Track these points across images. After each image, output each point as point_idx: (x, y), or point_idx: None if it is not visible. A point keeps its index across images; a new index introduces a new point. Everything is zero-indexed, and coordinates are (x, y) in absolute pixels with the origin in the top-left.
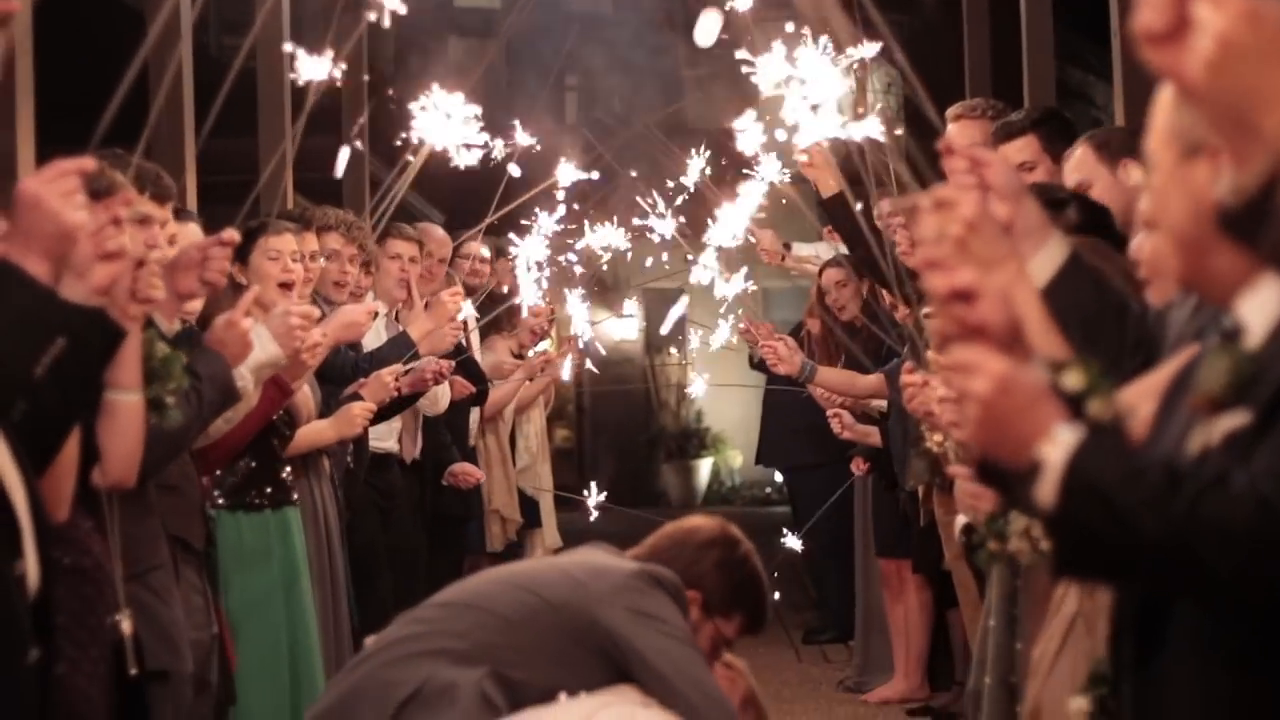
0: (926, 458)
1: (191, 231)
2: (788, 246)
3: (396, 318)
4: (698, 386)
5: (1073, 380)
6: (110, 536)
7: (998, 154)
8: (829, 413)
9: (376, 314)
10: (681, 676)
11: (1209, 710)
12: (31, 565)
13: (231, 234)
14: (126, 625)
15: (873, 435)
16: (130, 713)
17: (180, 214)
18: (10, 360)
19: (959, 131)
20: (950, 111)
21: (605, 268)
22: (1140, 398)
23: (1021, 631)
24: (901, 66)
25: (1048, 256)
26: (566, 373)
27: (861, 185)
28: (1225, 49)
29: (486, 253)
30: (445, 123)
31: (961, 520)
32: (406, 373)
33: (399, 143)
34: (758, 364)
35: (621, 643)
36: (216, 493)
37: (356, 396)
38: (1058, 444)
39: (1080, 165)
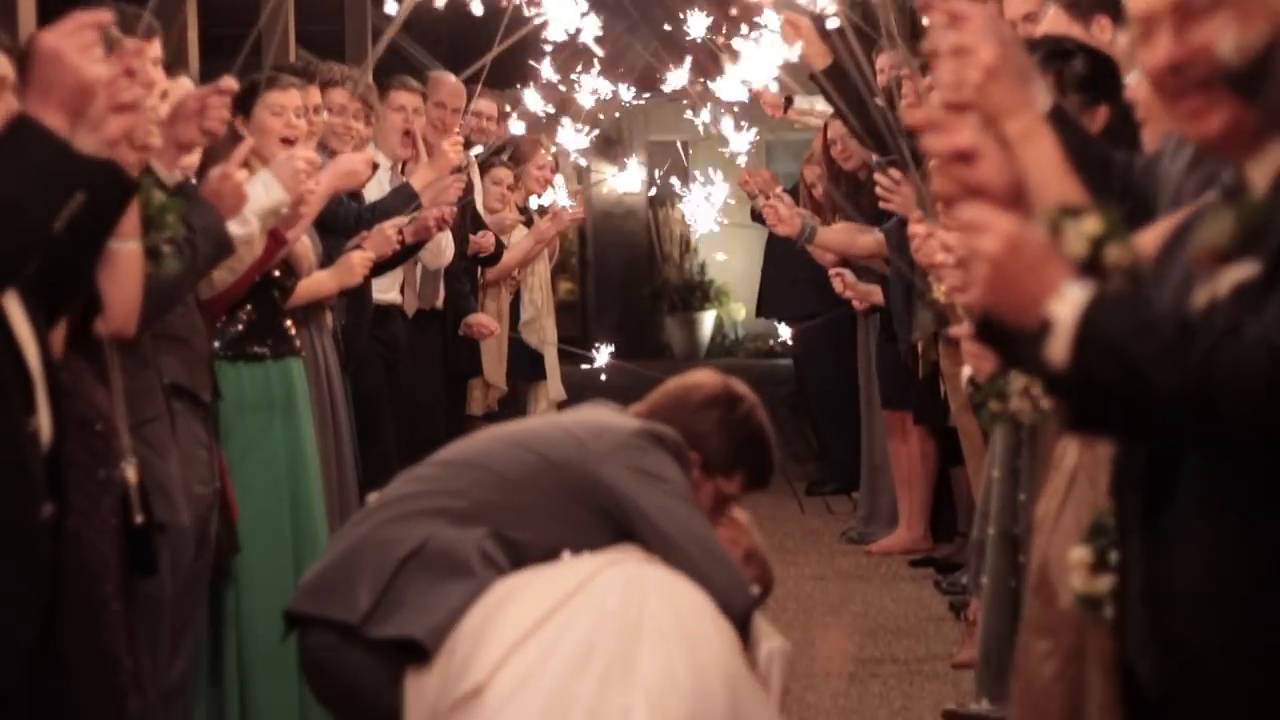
0: (931, 310)
1: (184, 86)
2: (789, 100)
3: (402, 171)
4: (703, 225)
5: (1091, 226)
6: (113, 386)
7: (982, 7)
8: (831, 272)
9: (376, 164)
10: (684, 534)
11: (1221, 560)
12: (45, 420)
13: (229, 82)
14: (132, 474)
15: (875, 294)
16: (136, 562)
17: (171, 70)
18: (30, 214)
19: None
20: None
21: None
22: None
23: (1024, 483)
24: None
25: None
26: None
27: (864, 39)
28: None
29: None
30: None
31: (967, 372)
32: (410, 223)
33: None
34: (758, 216)
35: (623, 501)
36: (217, 344)
37: (359, 248)
38: (1068, 301)
39: (1053, 24)
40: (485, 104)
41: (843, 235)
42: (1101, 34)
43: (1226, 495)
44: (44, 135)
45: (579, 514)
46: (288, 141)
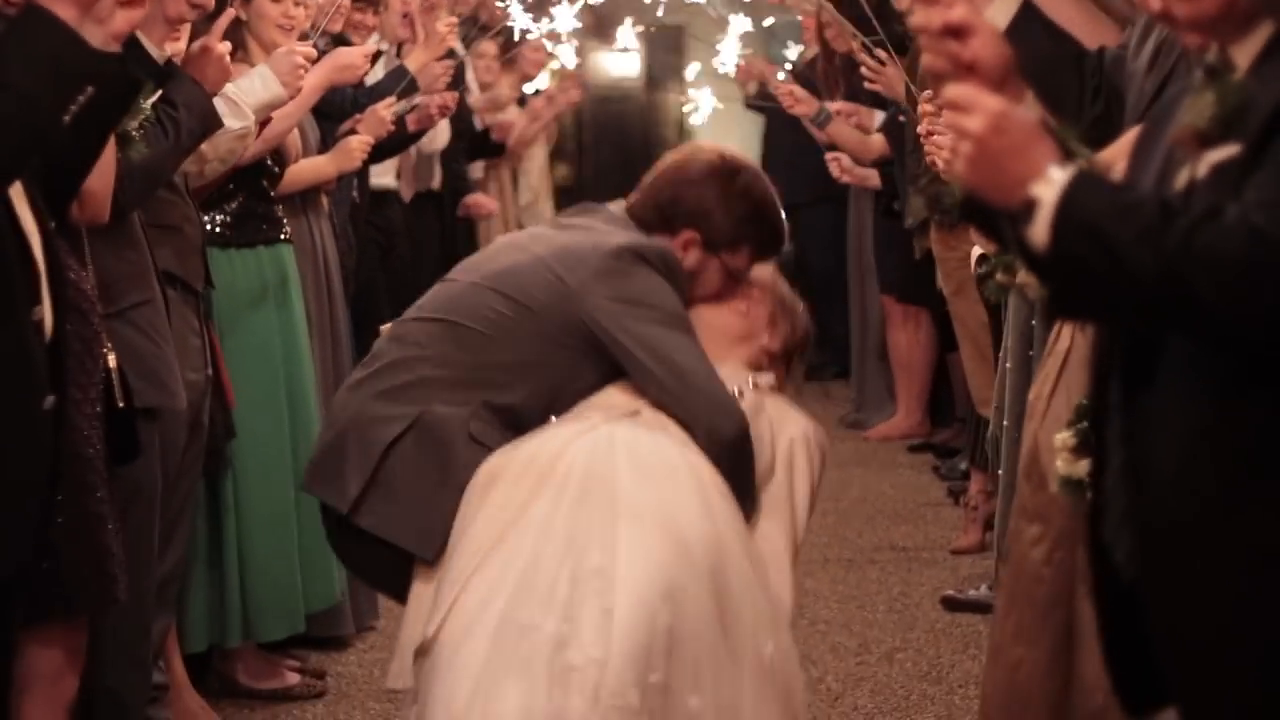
0: (925, 194)
1: None
2: None
3: (398, 54)
4: (704, 102)
5: None
6: (89, 271)
7: None
8: (828, 156)
9: (378, 54)
10: (663, 366)
11: (1199, 440)
12: (48, 311)
13: None
14: (112, 360)
15: (872, 178)
16: (120, 447)
17: None
18: (41, 104)
19: None
20: None
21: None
22: (1112, 156)
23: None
24: None
25: (1003, 5)
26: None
27: None
28: None
29: None
30: None
31: (977, 251)
32: (411, 109)
33: None
34: (753, 105)
35: (606, 338)
36: (209, 228)
37: (354, 132)
38: (1051, 183)
39: None
40: None
41: (857, 135)
42: None
43: (1205, 377)
44: (56, 25)
45: (566, 357)
46: (284, 30)
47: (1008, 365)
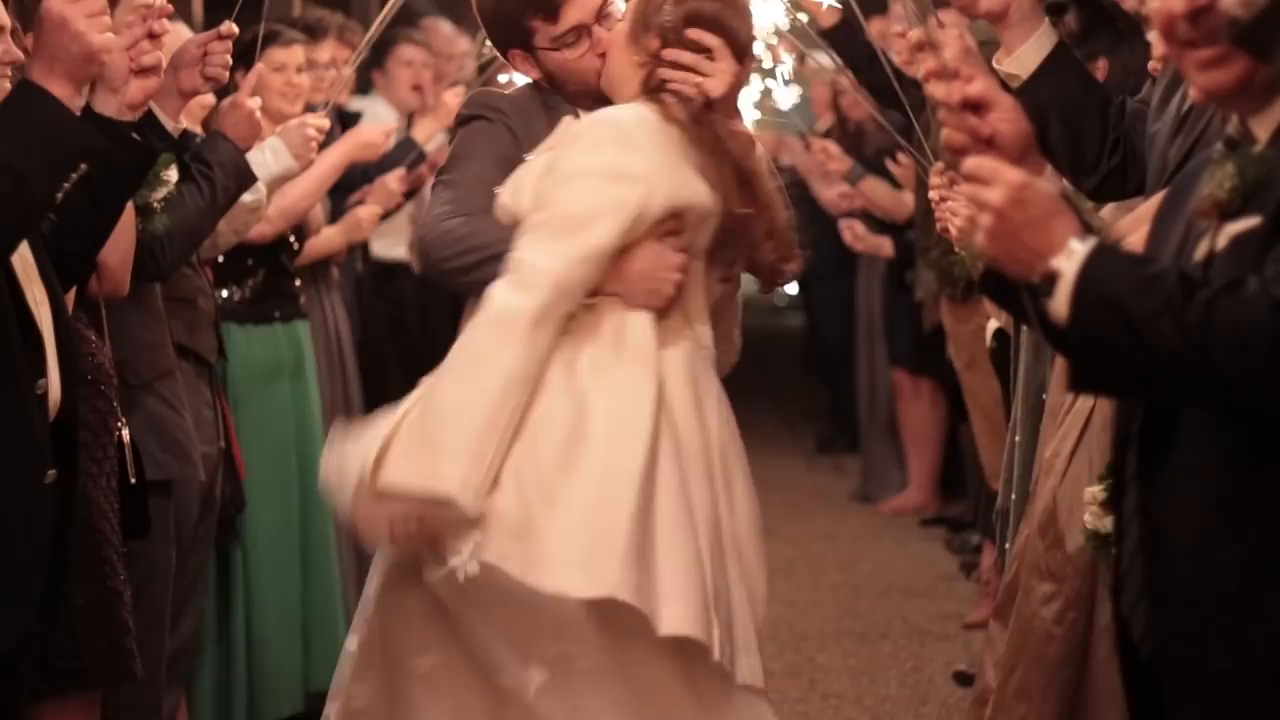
0: (936, 268)
1: (179, 33)
2: (802, 58)
3: (409, 125)
4: None
5: None
6: (107, 345)
7: None
8: (842, 223)
9: (393, 133)
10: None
11: (1216, 513)
12: (54, 382)
13: (230, 27)
14: (125, 434)
15: (885, 246)
16: (132, 523)
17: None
18: (31, 184)
19: None
20: None
21: None
22: (1141, 222)
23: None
24: None
25: (1036, 45)
26: None
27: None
28: None
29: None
30: None
31: (992, 324)
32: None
33: None
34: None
35: None
36: (225, 304)
37: (363, 203)
38: (1072, 256)
39: None
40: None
41: (890, 192)
42: None
43: (1223, 448)
44: (49, 103)
45: None
46: (287, 98)
47: (1016, 439)
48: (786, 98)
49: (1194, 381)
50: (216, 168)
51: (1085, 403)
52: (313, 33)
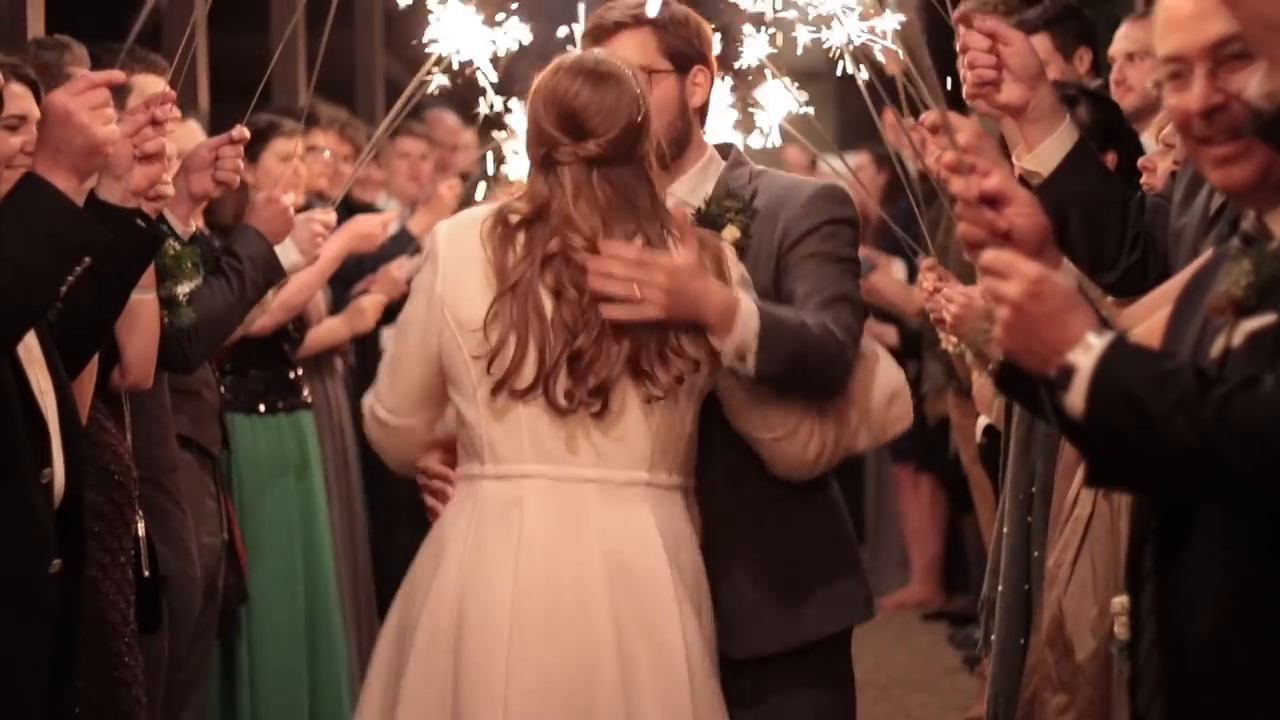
0: (942, 360)
1: (191, 130)
2: (814, 162)
3: (411, 213)
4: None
5: None
6: (128, 438)
7: (1019, 33)
8: None
9: (390, 223)
10: None
11: (1233, 610)
12: (59, 472)
13: (242, 132)
14: (141, 527)
15: (889, 335)
16: (144, 615)
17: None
18: (35, 278)
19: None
20: (962, 7)
21: None
22: (1149, 310)
23: (1036, 539)
24: None
25: (1058, 141)
26: None
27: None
28: None
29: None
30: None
31: (983, 421)
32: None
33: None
34: None
35: None
36: (228, 395)
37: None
38: (1089, 350)
39: (1036, 49)
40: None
41: (900, 288)
42: (1081, 66)
43: (1240, 544)
44: (52, 196)
45: None
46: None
47: (1004, 530)
48: None
49: (1210, 477)
50: (247, 262)
51: (1084, 509)
52: (310, 120)
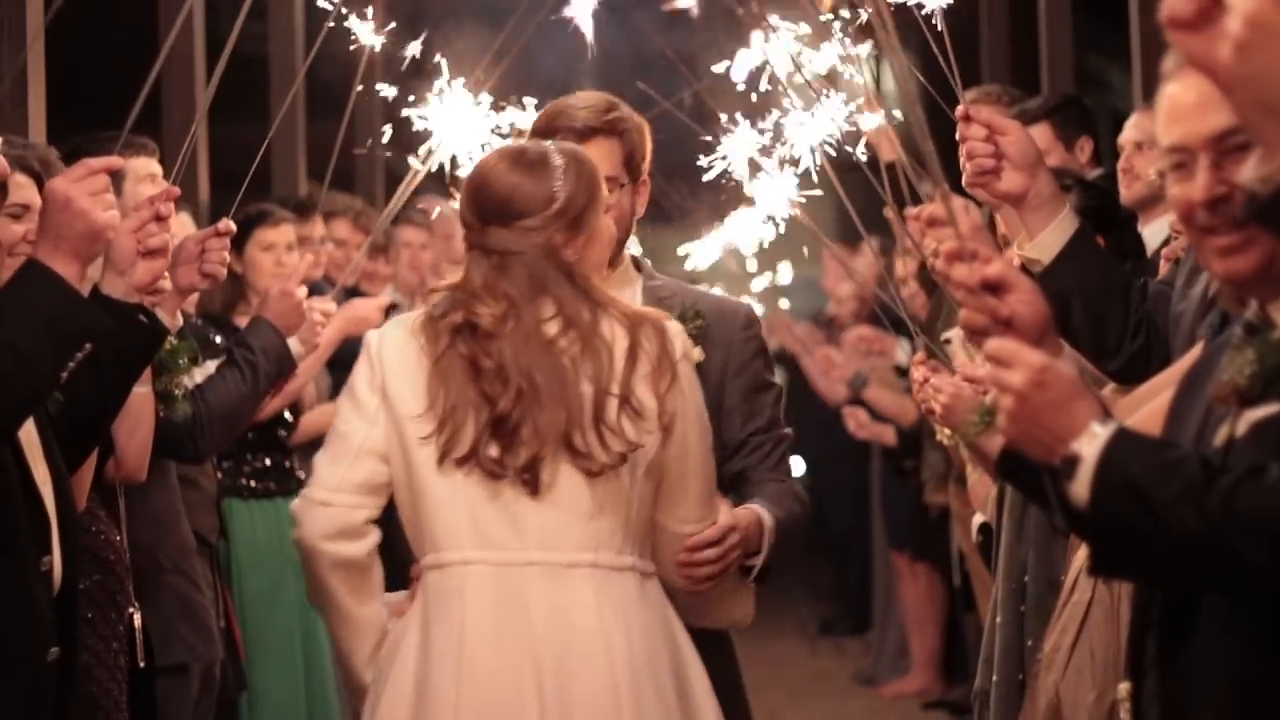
0: (941, 449)
1: (182, 222)
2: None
3: (411, 306)
4: None
5: None
6: (122, 529)
7: (1015, 123)
8: (845, 411)
9: (393, 306)
10: None
11: (1238, 701)
12: (58, 559)
13: (228, 224)
14: (138, 619)
15: (886, 434)
16: (140, 705)
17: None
18: (36, 364)
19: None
20: (966, 95)
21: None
22: (1144, 399)
23: (1030, 628)
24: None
25: (1059, 229)
26: None
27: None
28: (1254, 30)
29: None
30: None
31: (979, 519)
32: None
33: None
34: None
35: None
36: (225, 481)
37: None
38: (1094, 439)
39: (1038, 139)
40: None
41: (894, 400)
42: (1081, 155)
43: (1244, 635)
44: (54, 282)
45: None
46: (280, 278)
47: (997, 620)
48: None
49: (1216, 567)
50: (260, 354)
51: (1084, 594)
52: (302, 210)
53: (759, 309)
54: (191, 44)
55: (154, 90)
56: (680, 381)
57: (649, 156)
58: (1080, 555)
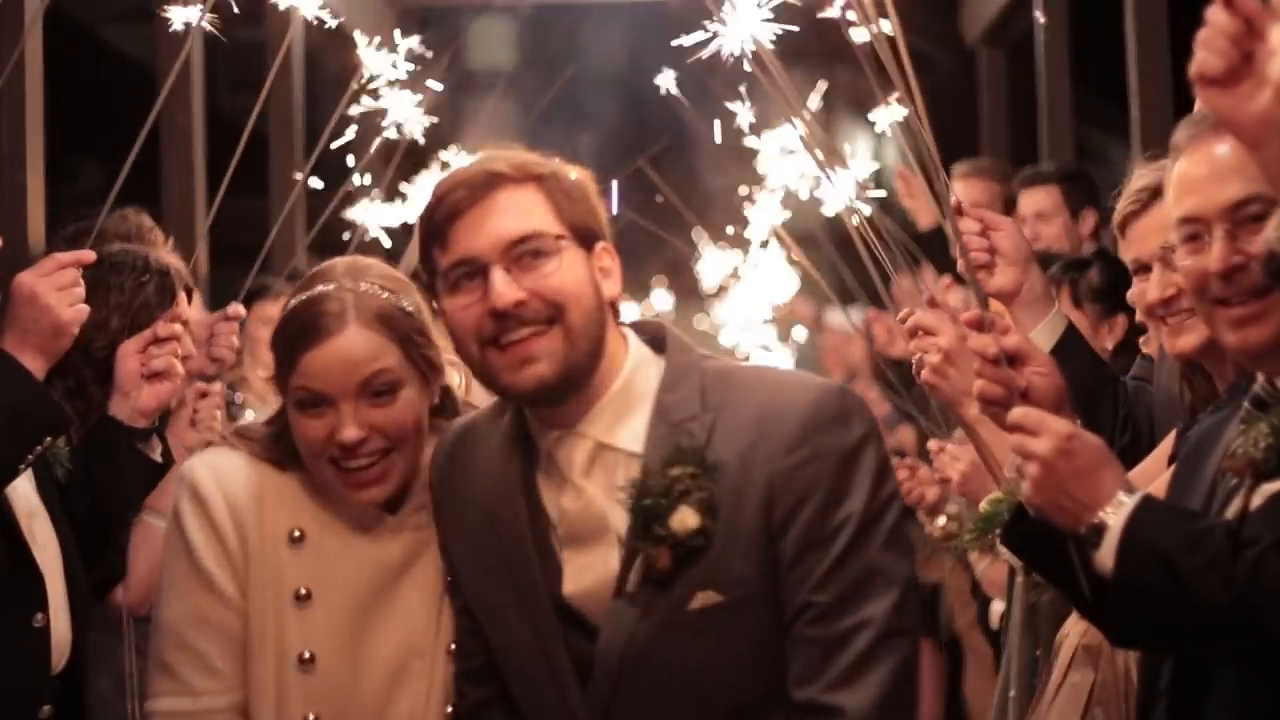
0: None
1: (191, 306)
2: (818, 319)
3: None
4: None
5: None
6: (127, 655)
7: (1008, 219)
8: None
9: None
10: None
11: None
12: (59, 621)
13: (238, 309)
14: None
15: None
16: None
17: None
18: None
19: (963, 190)
20: (957, 169)
21: None
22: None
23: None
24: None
25: (1049, 328)
26: None
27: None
28: None
29: None
30: None
31: (999, 607)
32: None
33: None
34: None
35: None
36: None
37: None
38: (1120, 508)
39: (1047, 199)
40: None
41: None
42: (1084, 227)
43: (1257, 706)
44: (18, 375)
45: None
46: None
47: (1010, 694)
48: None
49: (1239, 637)
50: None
51: (1085, 677)
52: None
53: None
54: (190, 119)
55: (153, 164)
56: None
57: (606, 226)
58: (1073, 634)
